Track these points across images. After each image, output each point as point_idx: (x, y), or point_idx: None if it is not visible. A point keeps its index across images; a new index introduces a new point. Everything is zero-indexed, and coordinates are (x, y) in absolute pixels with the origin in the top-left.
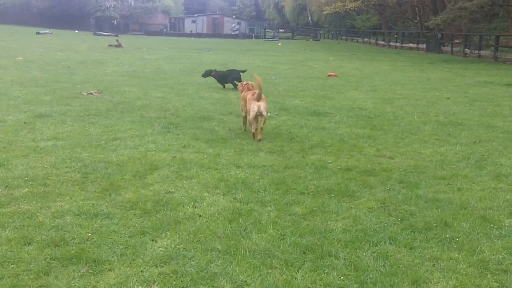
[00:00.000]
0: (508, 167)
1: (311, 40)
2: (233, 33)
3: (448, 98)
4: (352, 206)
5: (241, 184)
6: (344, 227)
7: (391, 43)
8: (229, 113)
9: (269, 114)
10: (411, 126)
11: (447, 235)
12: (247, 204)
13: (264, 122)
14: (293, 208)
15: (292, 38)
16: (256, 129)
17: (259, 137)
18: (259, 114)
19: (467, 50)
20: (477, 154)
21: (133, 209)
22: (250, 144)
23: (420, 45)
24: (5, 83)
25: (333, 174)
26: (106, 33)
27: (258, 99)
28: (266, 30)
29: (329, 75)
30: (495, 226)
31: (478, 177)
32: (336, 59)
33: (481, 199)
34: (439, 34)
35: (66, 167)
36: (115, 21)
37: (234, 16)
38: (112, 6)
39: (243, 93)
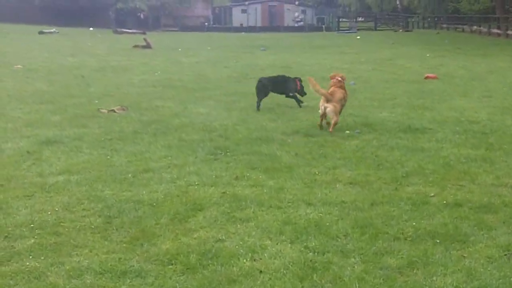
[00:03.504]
0: None
1: (400, 30)
2: (296, 25)
3: None
4: (465, 255)
5: (313, 228)
6: (455, 284)
7: (509, 32)
8: (295, 132)
9: (347, 132)
10: None
11: None
12: (323, 255)
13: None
14: (385, 259)
15: (375, 29)
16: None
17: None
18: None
19: None
20: None
21: (172, 264)
22: (324, 173)
23: None
24: (0, 100)
25: (438, 211)
26: (130, 31)
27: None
28: (340, 20)
29: (427, 77)
30: None
31: None
32: (435, 56)
33: None
34: None
35: (83, 209)
36: (141, 15)
37: (297, 3)
38: None
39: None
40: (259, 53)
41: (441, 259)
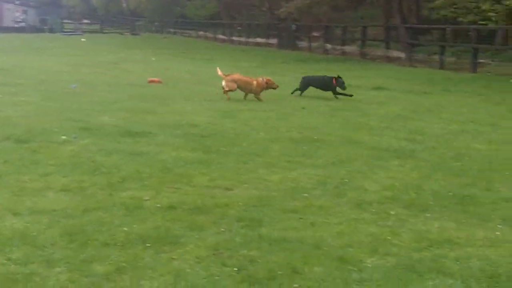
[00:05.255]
0: (372, 193)
1: (127, 34)
2: (17, 25)
3: (303, 108)
4: (174, 257)
5: (18, 239)
6: (163, 286)
7: (234, 38)
8: (6, 138)
9: (64, 137)
10: (256, 145)
11: (295, 285)
12: (26, 266)
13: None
14: (93, 266)
15: (102, 32)
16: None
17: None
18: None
19: (328, 46)
20: (336, 178)
21: None
22: (35, 180)
23: (271, 40)
24: None
25: (151, 215)
26: None
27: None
28: (65, 21)
29: (151, 81)
30: (354, 269)
31: (337, 207)
32: (161, 59)
33: (338, 235)
34: (293, 25)
35: None
36: None
37: (17, 2)
38: None
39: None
40: None
41: (150, 263)
